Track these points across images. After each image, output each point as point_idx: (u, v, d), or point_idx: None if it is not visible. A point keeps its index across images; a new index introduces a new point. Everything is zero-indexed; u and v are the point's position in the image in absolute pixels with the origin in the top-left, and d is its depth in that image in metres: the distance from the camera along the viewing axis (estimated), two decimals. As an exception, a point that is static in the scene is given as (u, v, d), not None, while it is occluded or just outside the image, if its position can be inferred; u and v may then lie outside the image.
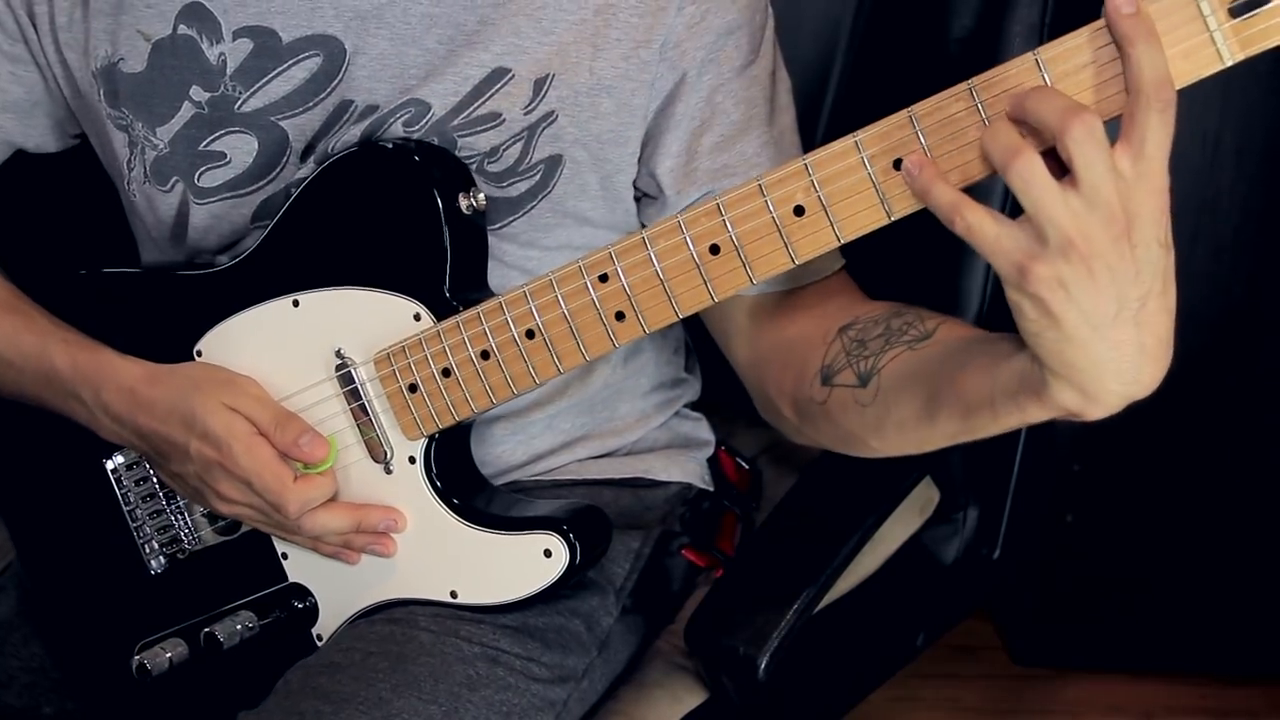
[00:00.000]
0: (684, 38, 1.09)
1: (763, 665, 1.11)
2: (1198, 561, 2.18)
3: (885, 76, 1.48)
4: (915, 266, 1.31)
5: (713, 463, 1.36)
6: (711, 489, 1.34)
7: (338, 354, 1.10)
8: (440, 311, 1.06)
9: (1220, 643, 2.23)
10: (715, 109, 1.11)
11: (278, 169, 1.14)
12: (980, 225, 0.82)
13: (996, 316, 1.39)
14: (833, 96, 1.53)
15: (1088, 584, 2.22)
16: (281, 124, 1.13)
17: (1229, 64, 0.79)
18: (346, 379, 1.10)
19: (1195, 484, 2.14)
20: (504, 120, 1.11)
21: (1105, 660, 2.28)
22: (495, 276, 1.15)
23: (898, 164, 0.87)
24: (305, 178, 1.12)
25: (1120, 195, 0.79)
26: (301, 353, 1.12)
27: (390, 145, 1.09)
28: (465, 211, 1.08)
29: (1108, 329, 0.82)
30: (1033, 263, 0.81)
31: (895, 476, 1.29)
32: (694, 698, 1.24)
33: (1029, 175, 0.80)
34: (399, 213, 1.08)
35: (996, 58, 1.37)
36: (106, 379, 1.14)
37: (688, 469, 1.31)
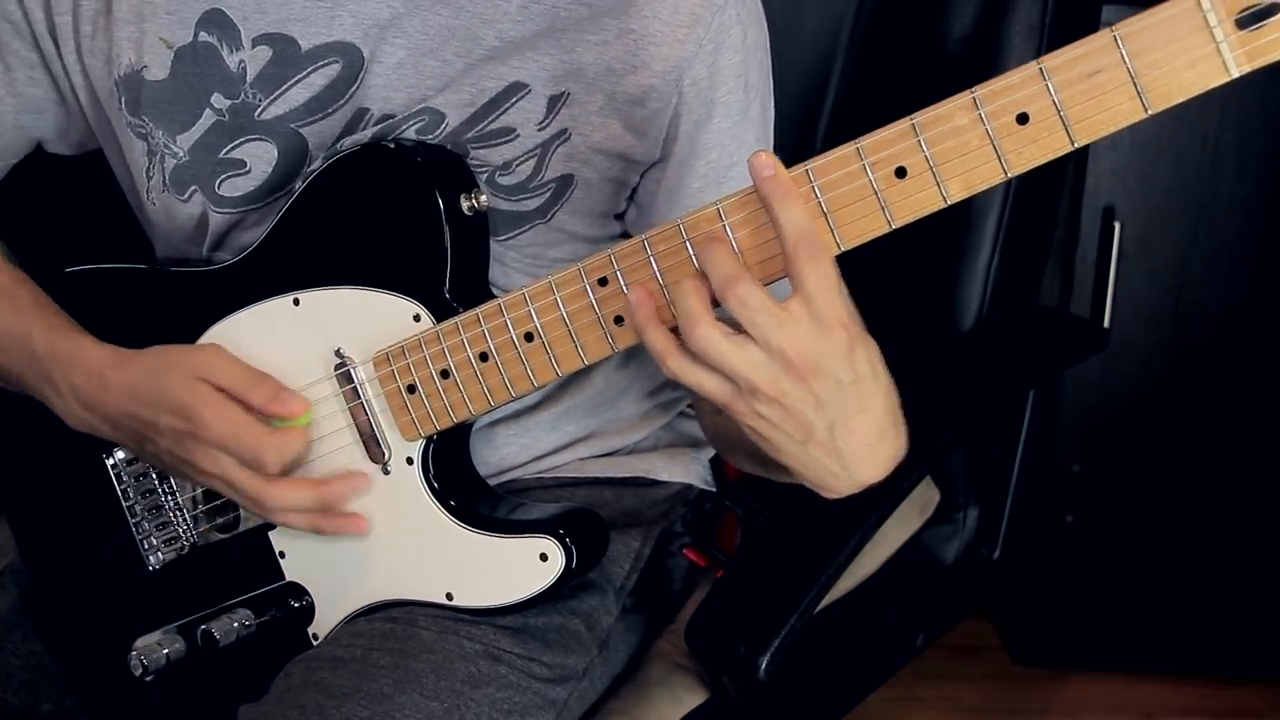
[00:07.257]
0: (701, 74, 1.09)
1: (763, 665, 1.11)
2: (1198, 562, 2.18)
3: (886, 76, 1.48)
4: (913, 273, 1.31)
5: (715, 462, 1.35)
6: (713, 489, 1.34)
7: (337, 353, 1.10)
8: (440, 312, 1.06)
9: (1220, 643, 2.23)
10: (714, 144, 1.11)
11: (298, 178, 1.14)
12: (681, 370, 0.91)
13: (995, 321, 1.40)
14: (833, 96, 1.53)
15: (1088, 584, 2.22)
16: (301, 131, 1.13)
17: (1235, 75, 0.78)
18: (345, 378, 1.10)
19: (1195, 484, 2.14)
20: (518, 135, 1.11)
21: (1105, 660, 2.28)
22: (501, 280, 1.15)
23: (900, 172, 0.87)
24: (312, 171, 1.12)
25: (796, 340, 0.87)
26: (301, 351, 1.12)
27: (393, 145, 1.09)
28: (466, 212, 1.08)
29: (810, 445, 0.93)
30: (732, 402, 0.90)
31: (895, 476, 1.30)
32: (694, 698, 1.25)
33: (706, 341, 0.88)
34: (400, 213, 1.08)
35: (996, 58, 1.39)
36: (78, 363, 1.14)
37: (690, 469, 1.31)
